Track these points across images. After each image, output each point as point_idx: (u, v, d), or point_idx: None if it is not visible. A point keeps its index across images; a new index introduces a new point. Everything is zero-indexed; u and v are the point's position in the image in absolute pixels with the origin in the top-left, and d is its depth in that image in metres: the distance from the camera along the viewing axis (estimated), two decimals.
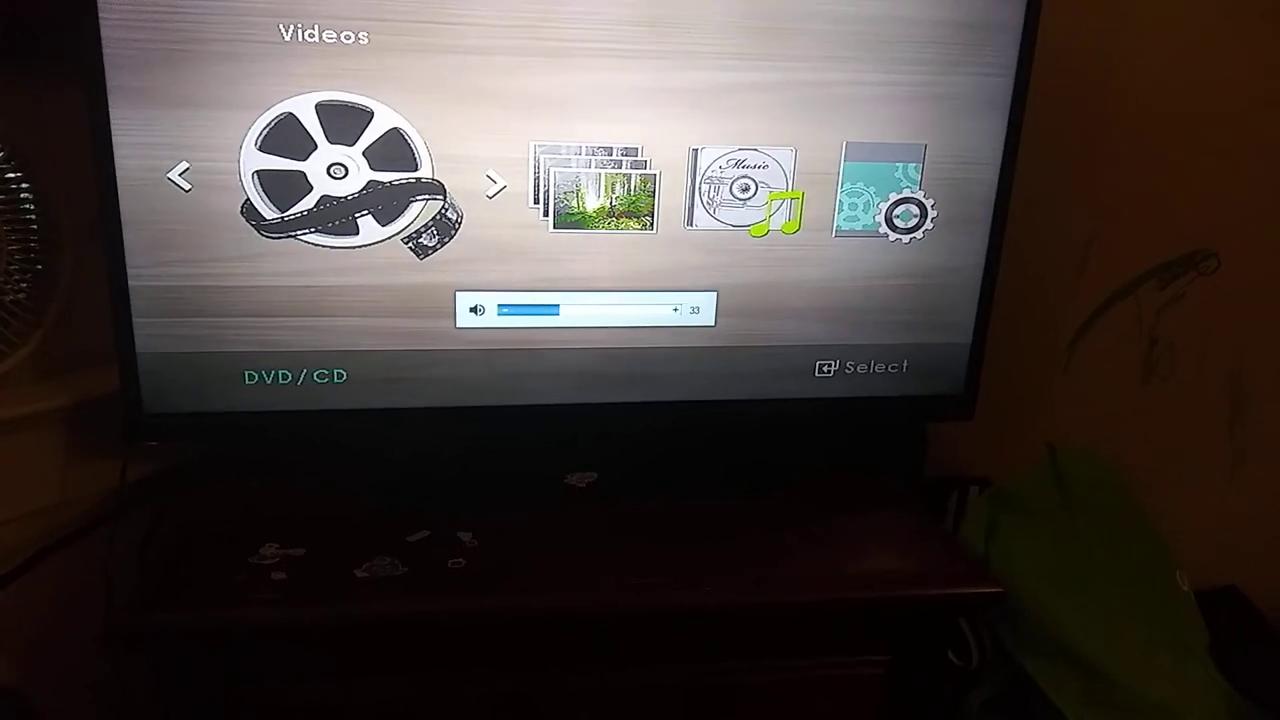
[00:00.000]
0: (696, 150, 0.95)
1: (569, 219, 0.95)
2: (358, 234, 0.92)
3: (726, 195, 0.98)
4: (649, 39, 0.91)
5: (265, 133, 0.87)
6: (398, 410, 0.98)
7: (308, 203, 0.90)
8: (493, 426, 1.01)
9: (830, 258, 1.02)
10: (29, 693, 1.00)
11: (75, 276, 0.97)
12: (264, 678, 0.89)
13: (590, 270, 0.97)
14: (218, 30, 0.84)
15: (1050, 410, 1.35)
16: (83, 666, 0.99)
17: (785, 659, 0.96)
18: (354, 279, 0.93)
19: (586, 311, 0.99)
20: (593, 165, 0.94)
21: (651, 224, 0.97)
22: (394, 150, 0.90)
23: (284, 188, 0.89)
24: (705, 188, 0.97)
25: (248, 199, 0.89)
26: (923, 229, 1.03)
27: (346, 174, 0.90)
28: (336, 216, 0.91)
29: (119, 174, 0.86)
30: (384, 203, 0.91)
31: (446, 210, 0.92)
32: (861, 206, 1.00)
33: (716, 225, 0.98)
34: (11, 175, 0.91)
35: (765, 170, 0.98)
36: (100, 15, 0.81)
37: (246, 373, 0.94)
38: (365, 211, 0.91)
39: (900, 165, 1.00)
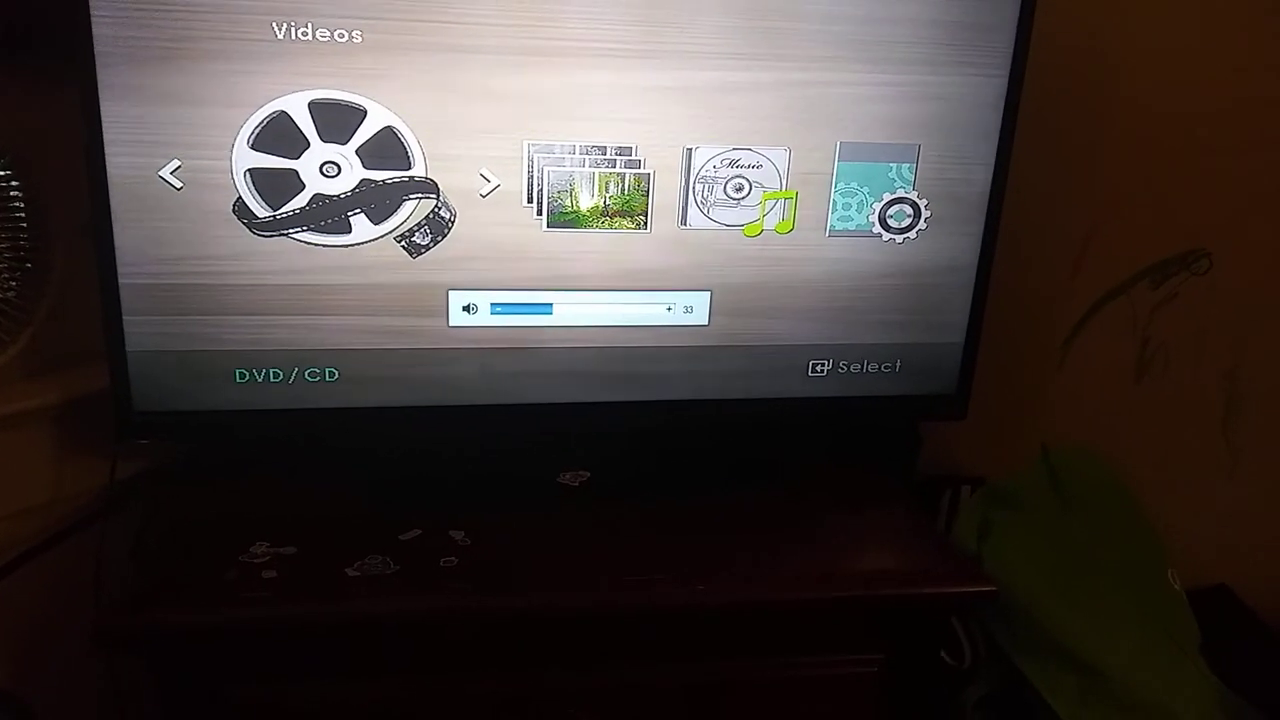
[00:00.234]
0: (690, 150, 0.95)
1: (563, 218, 0.95)
2: (350, 232, 0.92)
3: (720, 195, 0.97)
4: (643, 38, 0.91)
5: (257, 131, 0.87)
6: (390, 409, 0.98)
7: (300, 201, 0.90)
8: (486, 425, 1.01)
9: (824, 257, 1.02)
10: (21, 691, 1.00)
11: (65, 274, 0.96)
12: (255, 676, 0.88)
13: (584, 269, 0.97)
14: (210, 28, 0.83)
15: (1043, 410, 1.35)
16: (75, 664, 0.99)
17: (778, 658, 0.96)
18: (346, 278, 0.93)
19: (580, 311, 0.99)
20: (586, 164, 0.94)
21: (645, 223, 0.97)
22: (387, 149, 0.90)
23: (276, 186, 0.89)
24: (699, 187, 0.97)
25: (240, 197, 0.88)
26: (916, 229, 1.03)
27: (339, 172, 0.90)
28: (329, 215, 0.91)
29: (110, 172, 0.85)
30: (377, 201, 0.91)
31: (439, 209, 0.92)
32: (855, 206, 1.00)
33: (710, 225, 0.98)
34: (1, 173, 0.90)
35: (759, 170, 0.98)
36: (92, 12, 0.81)
37: (238, 371, 0.94)
38: (358, 210, 0.91)
39: (894, 165, 1.00)
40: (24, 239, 0.93)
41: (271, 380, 0.95)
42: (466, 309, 0.96)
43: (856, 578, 0.95)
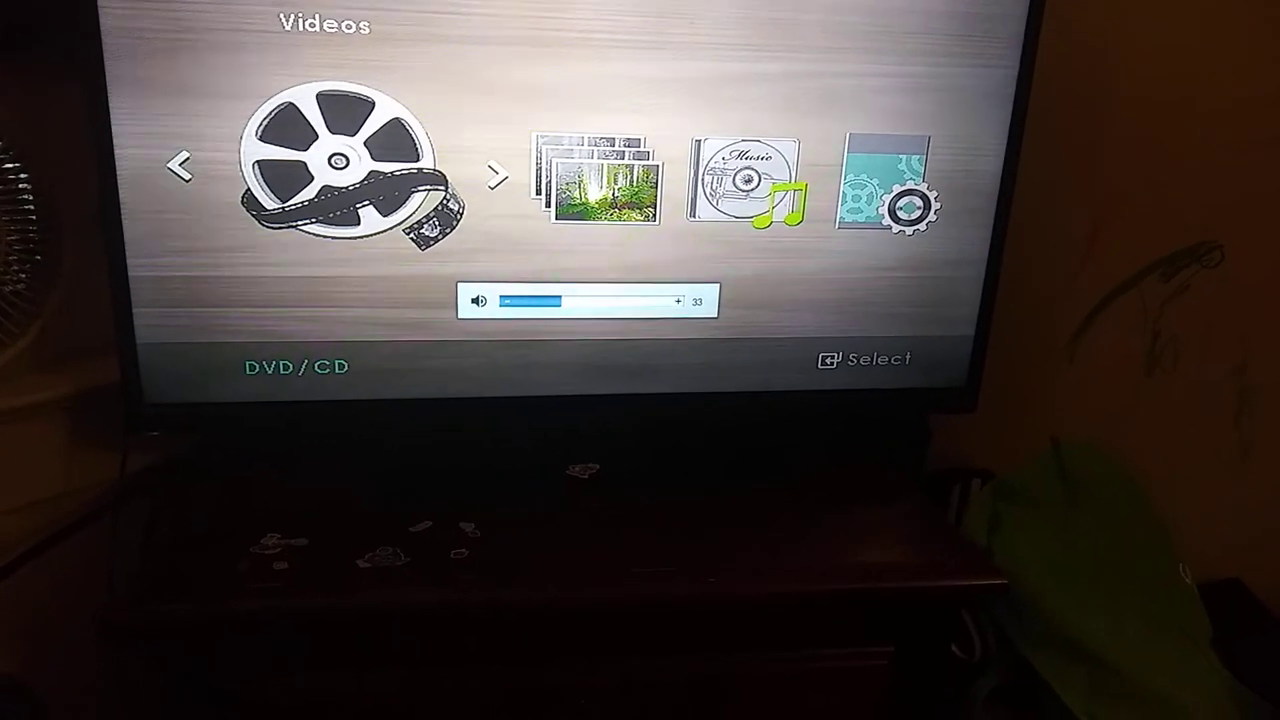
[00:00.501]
0: (699, 141, 0.95)
1: (571, 210, 0.95)
2: (359, 224, 0.92)
3: (729, 186, 0.97)
4: (652, 29, 0.91)
5: (266, 123, 0.87)
6: (399, 401, 0.98)
7: (309, 193, 0.90)
8: (495, 418, 1.01)
9: (833, 250, 1.01)
10: (32, 682, 1.00)
11: (75, 267, 0.96)
12: (265, 667, 0.88)
13: (592, 262, 0.97)
14: (218, 19, 0.83)
15: (1053, 403, 1.35)
16: (85, 656, 0.99)
17: (788, 650, 0.96)
18: (355, 269, 0.93)
19: (588, 303, 0.99)
20: (595, 156, 0.93)
21: (654, 215, 0.97)
22: (395, 140, 0.89)
23: (285, 178, 0.89)
24: (708, 179, 0.96)
25: (248, 189, 0.88)
26: (926, 221, 1.02)
27: (347, 164, 0.90)
28: (337, 207, 0.91)
29: (119, 164, 0.85)
30: (385, 193, 0.91)
31: (448, 201, 0.92)
32: (865, 198, 1.00)
33: (719, 216, 0.98)
34: (10, 166, 0.90)
35: (768, 162, 0.97)
36: (100, 4, 0.81)
37: (247, 363, 0.94)
38: (366, 202, 0.91)
39: (903, 157, 1.00)
40: (33, 231, 0.93)
41: (281, 372, 0.95)
42: (475, 301, 0.96)
43: (866, 570, 0.95)
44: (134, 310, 0.90)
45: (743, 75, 0.94)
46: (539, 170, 0.93)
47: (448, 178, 0.91)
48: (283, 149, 0.88)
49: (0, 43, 0.88)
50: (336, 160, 0.89)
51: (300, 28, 0.85)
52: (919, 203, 1.01)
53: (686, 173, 0.96)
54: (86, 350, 0.98)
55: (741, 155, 0.96)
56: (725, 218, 0.98)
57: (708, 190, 0.97)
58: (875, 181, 1.00)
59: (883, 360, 1.07)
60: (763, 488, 1.09)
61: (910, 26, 0.95)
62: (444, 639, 0.91)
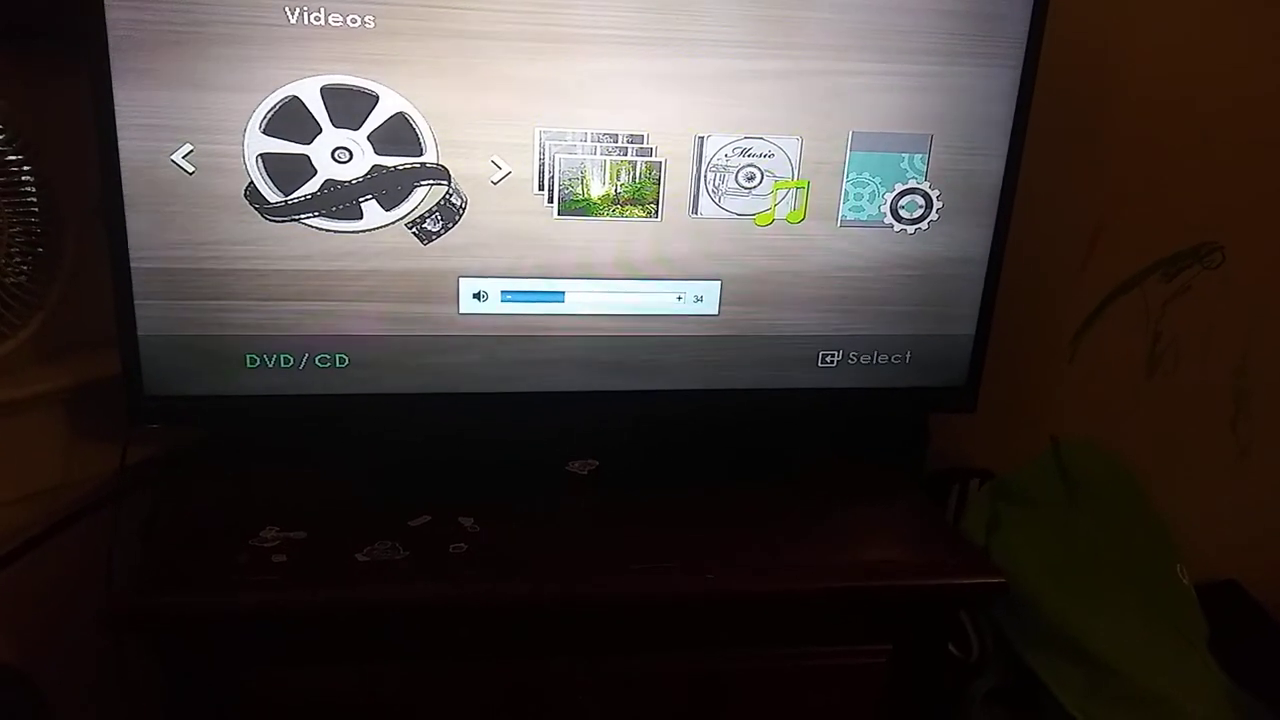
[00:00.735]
0: (702, 138, 0.95)
1: (573, 206, 0.95)
2: (361, 218, 0.92)
3: (732, 184, 0.97)
4: (656, 26, 0.91)
5: (270, 116, 0.87)
6: (400, 396, 0.98)
7: (311, 186, 0.90)
8: (495, 413, 1.01)
9: (835, 248, 1.01)
10: (32, 672, 1.00)
11: (77, 259, 0.96)
12: (264, 660, 0.89)
13: (594, 258, 0.97)
14: (223, 12, 0.83)
15: (1053, 403, 1.35)
16: (85, 646, 1.00)
17: (786, 648, 0.96)
18: (357, 264, 0.93)
19: (590, 299, 0.99)
20: (598, 152, 0.94)
21: (656, 212, 0.97)
22: (399, 135, 0.90)
23: (288, 171, 0.89)
24: (711, 176, 0.97)
25: (251, 182, 0.88)
26: (928, 220, 1.02)
27: (351, 158, 0.90)
28: (340, 201, 0.91)
29: (122, 156, 0.85)
30: (388, 187, 0.91)
31: (451, 196, 0.92)
32: (867, 197, 1.00)
33: (721, 214, 0.98)
34: (13, 157, 0.90)
35: (771, 159, 0.97)
36: None
37: (248, 356, 0.94)
38: (369, 196, 0.91)
39: (906, 156, 1.00)
40: (35, 223, 0.93)
41: (282, 366, 0.95)
42: (477, 296, 0.96)
43: (865, 569, 0.95)
44: (135, 302, 0.90)
45: (746, 72, 0.94)
46: (542, 166, 0.93)
47: (451, 173, 0.91)
48: (286, 142, 0.88)
49: (3, 32, 0.88)
50: (340, 154, 0.89)
51: (306, 21, 0.85)
52: (921, 201, 1.01)
53: (689, 169, 0.96)
54: (88, 342, 0.98)
55: (744, 152, 0.96)
56: (727, 215, 0.98)
57: (710, 187, 0.97)
58: (877, 180, 1.00)
59: (883, 359, 1.07)
60: (762, 486, 1.09)
61: (914, 25, 0.95)
62: (442, 633, 0.91)
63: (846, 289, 1.03)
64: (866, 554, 0.98)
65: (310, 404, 0.97)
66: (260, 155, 0.88)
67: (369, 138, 0.89)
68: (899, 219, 1.02)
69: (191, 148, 0.86)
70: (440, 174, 0.91)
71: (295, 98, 0.87)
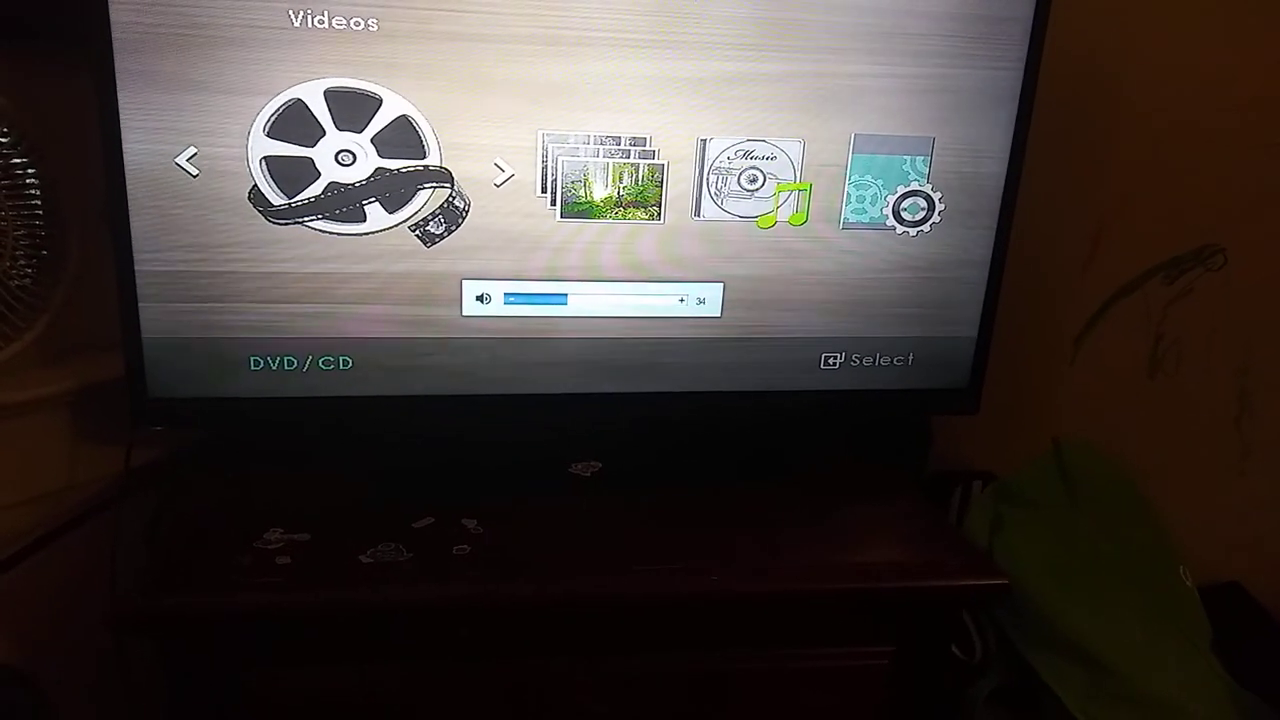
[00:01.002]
0: (705, 141, 0.95)
1: (576, 208, 0.95)
2: (365, 221, 0.92)
3: (734, 186, 0.97)
4: (658, 28, 0.91)
5: (274, 119, 0.87)
6: (403, 398, 0.98)
7: (315, 189, 0.90)
8: (498, 415, 1.02)
9: (837, 250, 1.01)
10: (35, 673, 1.00)
11: (81, 262, 0.97)
12: (268, 661, 0.89)
13: (597, 260, 0.97)
14: (228, 15, 0.83)
15: (1055, 405, 1.35)
16: (89, 648, 1.00)
17: (788, 649, 0.96)
18: (361, 266, 0.93)
19: (592, 301, 0.99)
20: (600, 155, 0.94)
21: (659, 214, 0.97)
22: (402, 137, 0.90)
23: (291, 174, 0.89)
24: (713, 178, 0.97)
25: (255, 185, 0.89)
26: (930, 222, 1.02)
27: (354, 161, 0.90)
28: (344, 203, 0.91)
29: (126, 159, 0.86)
30: (391, 190, 0.91)
31: (454, 198, 0.92)
32: (869, 199, 1.00)
33: (724, 216, 0.98)
34: (18, 160, 0.91)
35: (773, 162, 0.98)
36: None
37: (252, 359, 0.94)
38: (373, 199, 0.91)
39: (908, 158, 1.00)
40: (40, 226, 0.93)
41: (286, 368, 0.95)
42: (480, 298, 0.96)
43: (868, 570, 0.95)
44: (139, 305, 0.90)
45: (749, 75, 0.94)
46: (545, 168, 0.93)
47: (454, 175, 0.92)
48: (290, 145, 0.88)
49: (7, 34, 0.88)
50: (343, 157, 0.90)
51: (310, 24, 0.85)
52: (923, 204, 1.02)
53: (691, 172, 0.96)
54: (92, 345, 0.98)
55: (747, 155, 0.97)
56: (730, 217, 0.98)
57: (712, 190, 0.97)
58: (880, 182, 1.00)
59: (885, 361, 1.07)
60: (765, 487, 1.09)
61: (916, 28, 0.95)
62: (445, 634, 0.91)
63: (849, 291, 1.03)
64: (869, 555, 0.99)
65: (314, 406, 0.97)
66: (264, 158, 0.88)
67: (372, 140, 0.90)
68: (901, 221, 1.02)
69: (195, 150, 0.87)
70: (443, 176, 0.92)
71: (299, 100, 0.87)
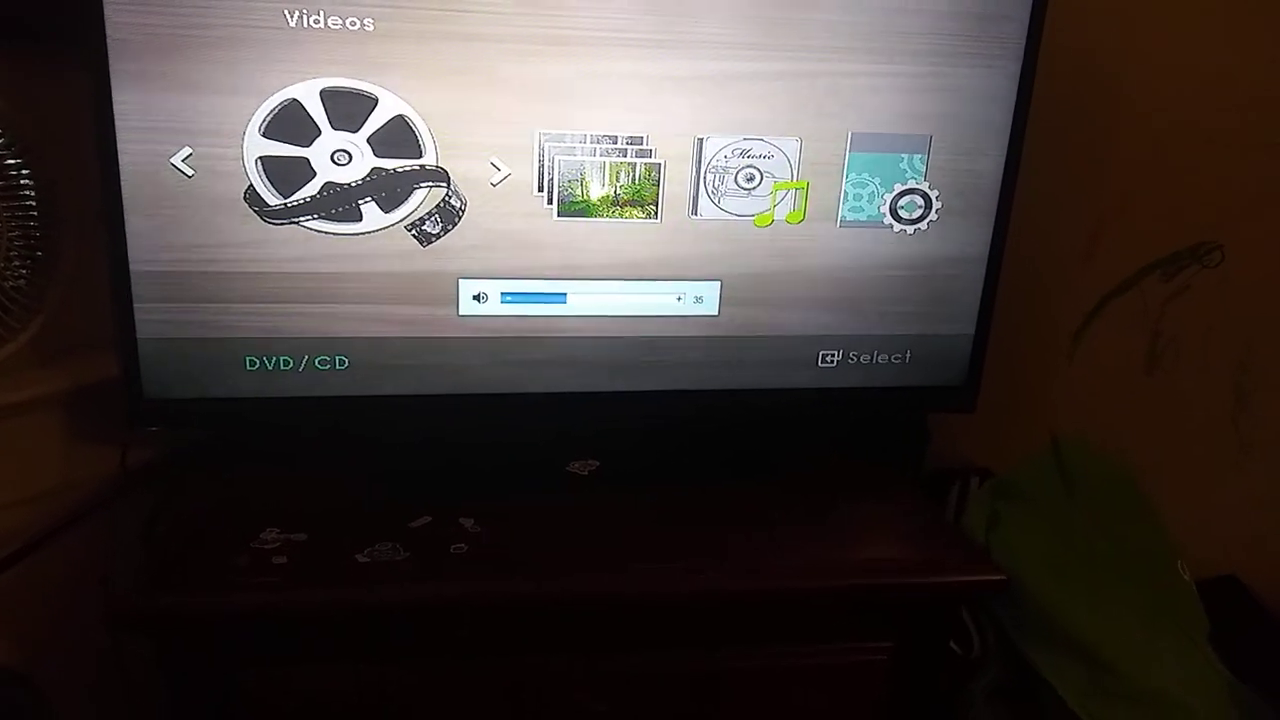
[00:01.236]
0: (702, 139, 0.95)
1: (573, 207, 0.95)
2: (361, 221, 0.92)
3: (731, 185, 0.97)
4: (655, 27, 0.91)
5: (269, 119, 0.87)
6: (400, 397, 0.98)
7: (311, 189, 0.90)
8: (495, 414, 1.01)
9: (835, 248, 1.01)
10: (33, 673, 1.00)
11: (76, 262, 0.96)
12: (264, 661, 0.89)
13: (593, 259, 0.97)
14: (223, 15, 0.83)
15: (1053, 402, 1.35)
16: (86, 648, 1.00)
17: (787, 646, 0.97)
18: (357, 266, 0.93)
19: (589, 300, 0.99)
20: (597, 154, 0.94)
21: (656, 213, 0.97)
22: (398, 137, 0.90)
23: (287, 174, 0.89)
24: (710, 177, 0.97)
25: (251, 185, 0.88)
26: (927, 220, 1.02)
27: (350, 160, 0.90)
28: (340, 203, 0.91)
29: (121, 159, 0.85)
30: (387, 190, 0.91)
31: (450, 198, 0.92)
32: (866, 197, 1.00)
33: (721, 215, 0.98)
34: (12, 161, 0.90)
35: (770, 160, 0.97)
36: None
37: (248, 359, 0.94)
38: (369, 198, 0.91)
39: (905, 156, 1.00)
40: (35, 227, 0.93)
41: (282, 368, 0.95)
42: (477, 298, 0.96)
43: (866, 567, 0.96)
44: (135, 305, 0.90)
45: (746, 73, 0.94)
46: (541, 168, 0.93)
47: (450, 175, 0.92)
48: (286, 145, 0.88)
49: (3, 35, 0.88)
50: (339, 156, 0.89)
51: (305, 24, 0.85)
52: (920, 202, 1.01)
53: (689, 171, 0.96)
54: (88, 345, 0.98)
55: (744, 154, 0.96)
56: (727, 216, 0.98)
57: (710, 188, 0.97)
58: (877, 180, 1.00)
59: (883, 359, 1.07)
60: (762, 485, 1.09)
61: (913, 26, 0.95)
62: (443, 633, 0.91)
63: (846, 289, 1.03)
64: (867, 552, 0.99)
65: (310, 406, 0.97)
66: (260, 158, 0.88)
67: (368, 140, 0.89)
68: (898, 219, 1.02)
69: (191, 151, 0.86)
70: (440, 176, 0.91)
71: (295, 100, 0.87)
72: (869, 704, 1.00)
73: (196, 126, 0.86)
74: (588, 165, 0.94)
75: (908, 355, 1.08)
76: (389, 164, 0.90)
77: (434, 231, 0.93)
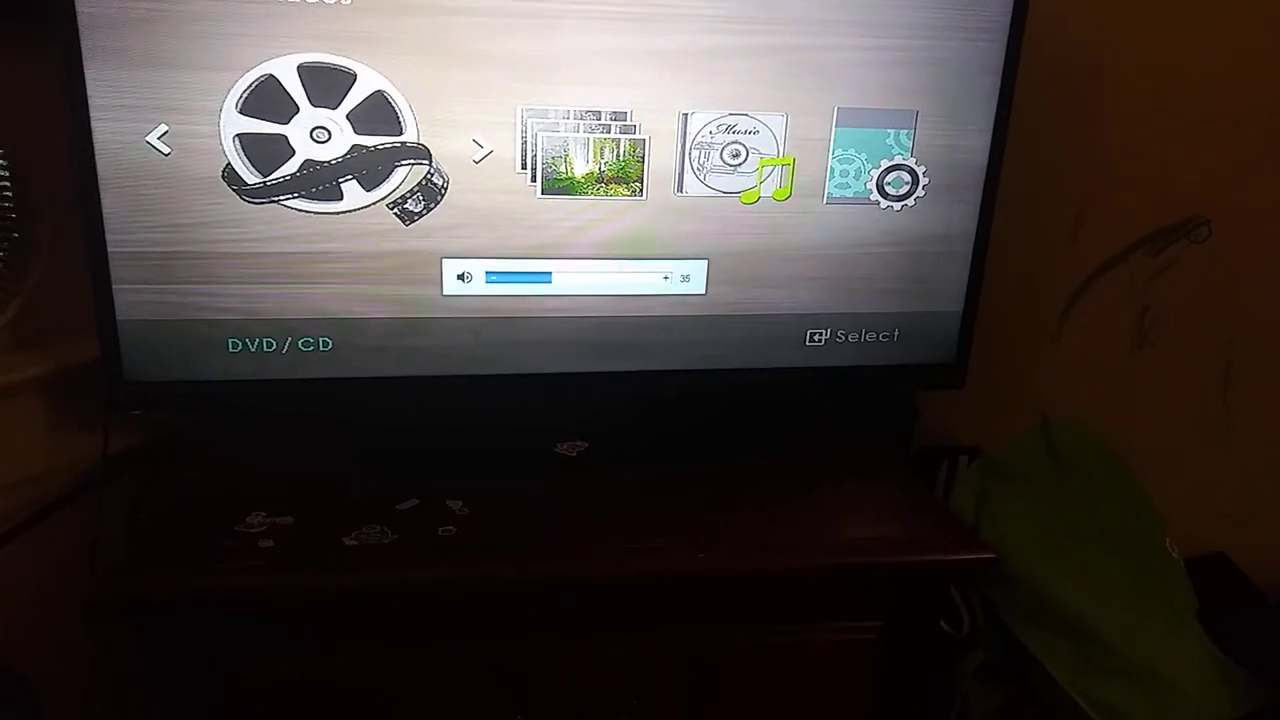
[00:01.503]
0: (686, 115, 0.94)
1: (557, 185, 0.94)
2: (342, 199, 0.90)
3: (717, 161, 0.96)
4: (637, 1, 0.89)
5: (246, 95, 0.85)
6: (384, 379, 0.97)
7: (290, 167, 0.88)
8: (482, 395, 1.01)
9: (821, 225, 1.01)
10: (17, 662, 0.99)
11: (53, 244, 0.95)
12: (250, 645, 0.88)
13: (578, 237, 0.96)
14: None
15: (1041, 379, 1.35)
16: (71, 636, 0.99)
17: (776, 625, 0.96)
18: (338, 245, 0.92)
19: (575, 279, 0.98)
20: (581, 130, 0.93)
21: (641, 190, 0.96)
22: (378, 114, 0.88)
23: (266, 152, 0.87)
24: (695, 153, 0.96)
25: (229, 163, 0.87)
26: (914, 196, 1.02)
27: (329, 138, 0.88)
28: (320, 181, 0.89)
29: (96, 137, 0.84)
30: (368, 167, 0.90)
31: (432, 175, 0.91)
32: (853, 173, 0.99)
33: (707, 192, 0.97)
34: None
35: (756, 136, 0.96)
36: None
37: (230, 341, 0.93)
38: (349, 176, 0.90)
39: (892, 132, 0.99)
40: (9, 208, 0.92)
41: (264, 350, 0.94)
42: (461, 277, 0.95)
43: (855, 546, 0.95)
44: (114, 287, 0.88)
45: (731, 48, 0.93)
46: (524, 144, 0.92)
47: (431, 152, 0.90)
48: (263, 122, 0.87)
49: None
50: (318, 134, 0.88)
51: None
52: (907, 178, 1.01)
53: (674, 147, 0.95)
54: (67, 328, 0.97)
55: (729, 129, 0.95)
56: (713, 193, 0.97)
57: (695, 165, 0.96)
58: (863, 156, 0.99)
59: (871, 337, 1.07)
60: (751, 464, 1.09)
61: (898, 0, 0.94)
62: (431, 616, 0.90)
63: (833, 267, 1.03)
64: (856, 531, 0.98)
65: (294, 388, 0.96)
66: (237, 135, 0.86)
67: (348, 117, 0.88)
68: (885, 195, 1.01)
69: (167, 128, 0.85)
70: (421, 153, 0.90)
71: (272, 76, 0.85)
72: (859, 682, 1.00)
73: (172, 103, 0.84)
74: (571, 142, 0.93)
75: (895, 333, 1.07)
76: (369, 141, 0.89)
77: (416, 210, 0.92)
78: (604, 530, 0.93)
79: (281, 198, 0.89)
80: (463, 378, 0.99)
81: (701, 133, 0.95)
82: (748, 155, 0.97)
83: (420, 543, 0.89)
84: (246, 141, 0.87)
